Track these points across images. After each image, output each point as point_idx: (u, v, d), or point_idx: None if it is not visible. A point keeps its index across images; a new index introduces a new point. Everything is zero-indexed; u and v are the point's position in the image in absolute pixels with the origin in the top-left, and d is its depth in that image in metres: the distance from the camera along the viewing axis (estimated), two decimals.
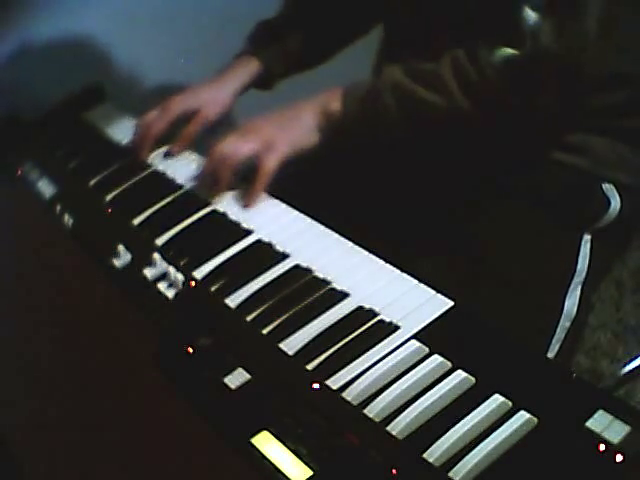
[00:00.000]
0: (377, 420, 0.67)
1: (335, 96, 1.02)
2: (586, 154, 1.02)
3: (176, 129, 1.20)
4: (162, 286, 0.90)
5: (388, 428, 0.66)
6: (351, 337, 0.77)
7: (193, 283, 0.90)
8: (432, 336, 0.75)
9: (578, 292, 1.01)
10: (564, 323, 1.00)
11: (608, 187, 1.03)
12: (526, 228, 1.01)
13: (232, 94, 1.23)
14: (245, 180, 1.03)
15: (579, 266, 1.02)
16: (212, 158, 1.04)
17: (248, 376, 0.74)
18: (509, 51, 0.94)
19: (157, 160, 1.18)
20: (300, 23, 1.29)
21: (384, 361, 0.73)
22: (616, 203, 1.03)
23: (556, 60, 0.93)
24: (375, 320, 0.79)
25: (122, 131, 1.28)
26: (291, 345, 0.78)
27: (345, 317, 0.80)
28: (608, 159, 1.03)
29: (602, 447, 0.60)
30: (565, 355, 1.01)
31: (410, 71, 1.00)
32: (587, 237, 1.03)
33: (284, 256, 0.91)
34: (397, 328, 0.77)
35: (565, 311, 1.00)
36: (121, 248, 0.98)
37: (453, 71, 0.97)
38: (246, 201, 1.02)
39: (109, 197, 1.13)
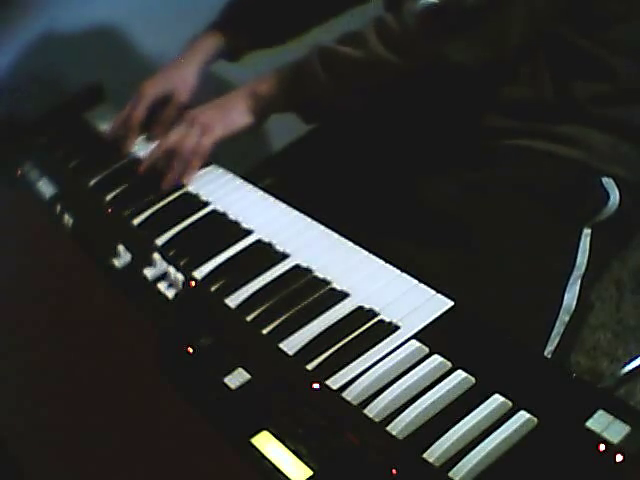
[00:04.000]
0: (377, 420, 0.67)
1: (263, 79, 1.11)
2: (583, 147, 1.02)
3: (152, 115, 1.24)
4: (162, 286, 0.90)
5: (388, 428, 0.66)
6: (351, 337, 0.77)
7: (193, 283, 0.90)
8: (432, 336, 0.75)
9: (577, 286, 1.02)
10: (563, 317, 1.00)
11: (607, 181, 1.03)
12: (526, 221, 1.02)
13: (198, 71, 1.27)
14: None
15: (578, 260, 1.02)
16: (162, 153, 1.12)
17: (248, 376, 0.74)
18: (430, 0, 0.97)
19: None
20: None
21: (384, 361, 0.73)
22: (615, 197, 1.03)
23: (473, 13, 0.95)
24: (375, 320, 0.79)
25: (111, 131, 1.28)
26: (291, 345, 0.78)
27: (345, 317, 0.80)
28: (606, 153, 1.03)
29: (602, 447, 0.60)
30: (564, 349, 1.02)
31: (338, 37, 1.06)
32: (587, 231, 1.03)
33: (284, 256, 0.91)
34: (397, 328, 0.77)
35: (564, 305, 1.01)
36: (121, 248, 0.98)
37: (375, 26, 1.03)
38: (184, 178, 1.10)
39: (109, 197, 1.13)
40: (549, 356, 0.99)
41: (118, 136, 1.23)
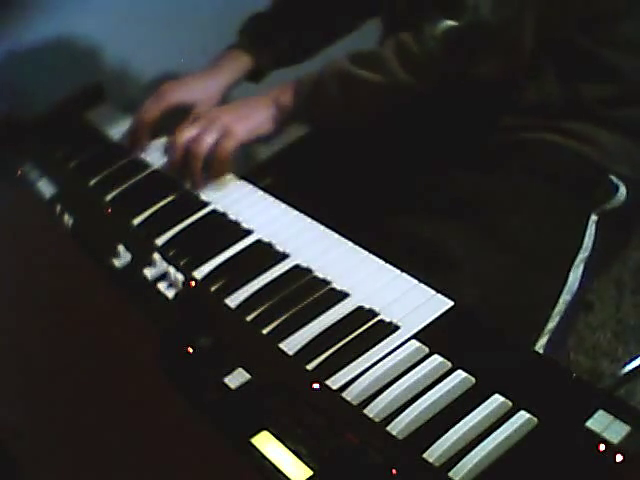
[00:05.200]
0: (377, 420, 0.67)
1: (287, 89, 1.10)
2: (593, 143, 1.04)
3: (170, 120, 1.21)
4: (162, 286, 0.90)
5: (388, 428, 0.66)
6: (351, 337, 0.77)
7: (193, 283, 0.90)
8: (432, 336, 0.75)
9: (581, 269, 1.03)
10: (565, 296, 1.01)
11: (614, 177, 1.04)
12: (537, 203, 1.03)
13: (224, 89, 1.26)
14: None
15: (585, 242, 1.03)
16: (179, 148, 1.10)
17: (248, 376, 0.74)
18: (449, 23, 0.97)
19: (157, 159, 1.18)
20: (290, 18, 1.31)
21: (384, 361, 0.73)
22: (624, 189, 1.04)
23: (493, 31, 0.96)
24: (375, 320, 0.79)
25: (122, 131, 1.28)
26: (291, 345, 0.78)
27: (345, 317, 0.80)
28: (614, 151, 1.04)
29: (602, 447, 0.60)
30: (563, 330, 1.02)
31: (355, 57, 1.05)
32: (594, 217, 1.04)
33: (284, 256, 0.91)
34: (397, 328, 0.77)
35: (568, 284, 1.02)
36: (121, 248, 0.98)
37: (395, 49, 1.02)
38: (209, 182, 1.08)
39: (109, 197, 1.13)
40: (550, 334, 1.00)
41: (131, 135, 1.22)
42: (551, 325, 1.00)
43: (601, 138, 1.04)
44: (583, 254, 1.03)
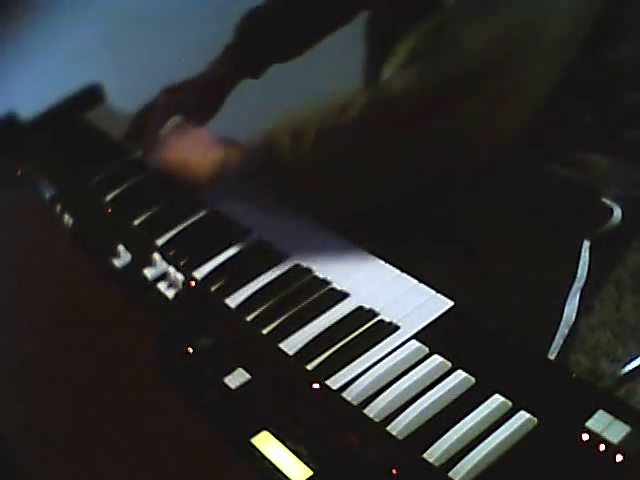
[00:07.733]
0: (377, 420, 0.67)
1: (234, 152, 1.03)
2: (585, 168, 1.02)
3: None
4: (162, 286, 0.90)
5: (388, 428, 0.66)
6: (351, 337, 0.77)
7: (193, 283, 0.90)
8: (432, 336, 0.75)
9: (577, 298, 1.01)
10: (563, 329, 1.00)
11: (608, 200, 1.03)
12: (527, 233, 1.01)
13: (224, 89, 1.27)
14: None
15: (579, 272, 1.02)
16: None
17: (248, 376, 0.75)
18: (433, 67, 0.89)
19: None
20: (284, 14, 1.31)
21: (384, 361, 0.73)
22: (618, 212, 1.03)
23: (478, 79, 0.87)
24: (375, 320, 0.79)
25: (122, 131, 1.28)
26: (291, 345, 0.78)
27: (345, 317, 0.80)
28: (607, 173, 1.02)
29: (602, 447, 0.60)
30: (563, 359, 1.01)
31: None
32: (587, 244, 1.03)
33: (284, 256, 0.91)
34: (397, 328, 0.77)
35: (564, 317, 1.00)
36: (121, 248, 0.98)
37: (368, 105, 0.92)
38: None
39: (109, 197, 1.13)
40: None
41: (138, 144, 1.21)
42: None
43: (593, 161, 1.01)
44: (578, 283, 1.01)
